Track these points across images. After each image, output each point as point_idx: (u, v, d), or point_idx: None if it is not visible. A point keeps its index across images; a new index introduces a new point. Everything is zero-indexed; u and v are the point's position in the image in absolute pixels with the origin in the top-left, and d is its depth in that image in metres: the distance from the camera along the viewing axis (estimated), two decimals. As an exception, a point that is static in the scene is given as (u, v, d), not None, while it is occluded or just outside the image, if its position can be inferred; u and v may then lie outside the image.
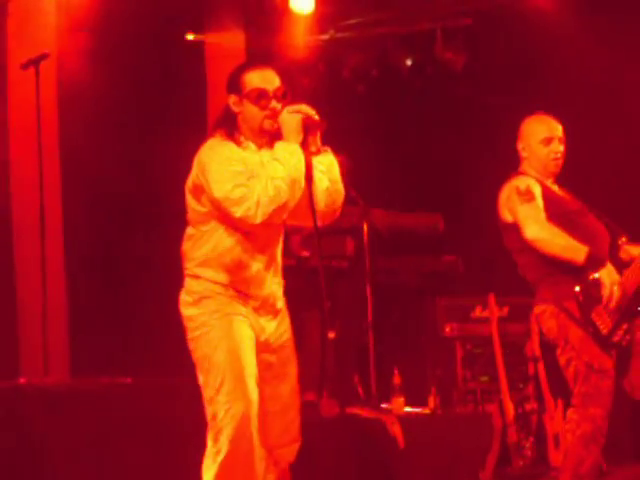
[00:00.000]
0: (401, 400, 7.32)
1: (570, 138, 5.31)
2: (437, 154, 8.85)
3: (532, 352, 6.94)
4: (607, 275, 4.83)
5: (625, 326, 4.87)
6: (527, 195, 5.06)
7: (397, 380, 7.41)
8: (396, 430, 6.71)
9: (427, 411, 7.41)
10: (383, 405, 7.31)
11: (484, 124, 8.56)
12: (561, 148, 5.19)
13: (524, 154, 5.27)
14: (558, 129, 5.21)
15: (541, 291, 5.10)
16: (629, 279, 4.90)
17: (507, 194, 5.14)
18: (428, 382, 7.70)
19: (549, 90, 7.89)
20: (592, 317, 4.86)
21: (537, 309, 5.13)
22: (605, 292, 4.79)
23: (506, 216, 5.12)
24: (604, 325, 4.86)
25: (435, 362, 7.87)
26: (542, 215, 4.99)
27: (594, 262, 4.85)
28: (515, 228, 5.05)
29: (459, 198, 8.68)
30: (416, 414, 7.35)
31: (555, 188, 5.26)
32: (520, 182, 5.12)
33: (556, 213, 5.04)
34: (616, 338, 4.86)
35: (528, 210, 5.02)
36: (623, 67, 6.17)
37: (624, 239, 5.13)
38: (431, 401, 7.44)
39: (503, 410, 6.78)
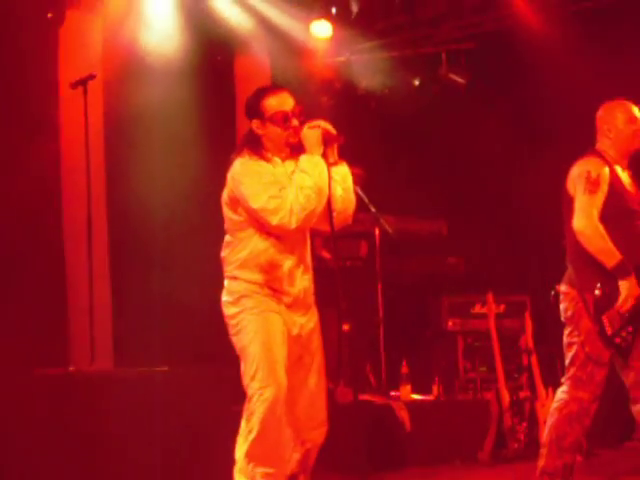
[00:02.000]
0: (408, 388, 7.44)
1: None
2: (442, 164, 8.88)
3: (526, 345, 7.04)
4: (627, 286, 4.78)
5: (630, 329, 4.85)
6: (594, 186, 4.92)
7: (405, 370, 7.50)
8: (404, 415, 6.83)
9: (431, 398, 7.50)
10: (392, 392, 7.42)
11: (483, 137, 8.41)
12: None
13: (610, 135, 5.07)
14: (638, 112, 5.11)
15: (572, 273, 5.04)
16: None
17: (578, 172, 5.00)
18: (432, 372, 7.78)
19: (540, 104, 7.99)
20: (602, 317, 4.84)
21: (563, 287, 5.06)
22: (620, 300, 4.76)
23: (570, 189, 5.00)
24: (610, 327, 4.83)
25: (439, 354, 7.96)
26: (595, 212, 4.86)
27: (621, 271, 4.79)
28: (571, 204, 4.97)
29: (462, 204, 8.65)
30: (421, 401, 7.42)
31: (625, 177, 5.10)
32: (594, 167, 4.97)
33: (614, 208, 4.92)
34: (618, 340, 4.83)
35: (587, 201, 4.89)
36: (609, 86, 6.19)
37: None
38: (435, 389, 7.55)
39: (499, 398, 6.94)
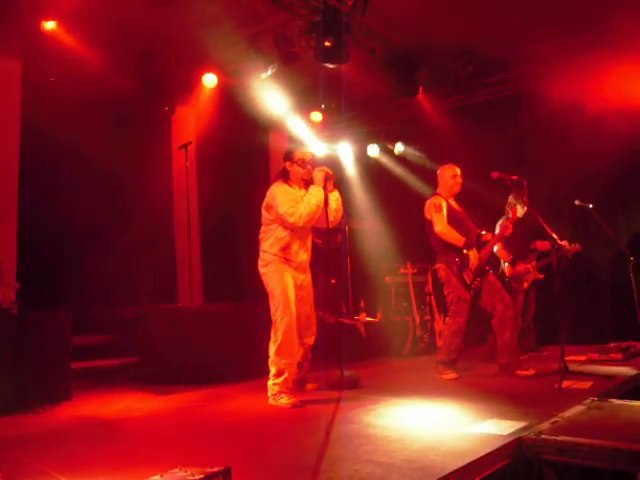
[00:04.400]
0: (364, 314, 7.59)
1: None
2: (393, 191, 8.48)
3: (428, 290, 7.20)
4: (472, 254, 4.96)
5: (479, 279, 4.97)
6: (438, 208, 5.07)
7: (363, 304, 7.68)
8: (362, 328, 6.91)
9: (377, 319, 7.53)
10: (355, 317, 7.52)
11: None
12: (460, 181, 5.19)
13: (441, 184, 5.22)
14: (459, 171, 5.19)
15: (439, 257, 5.12)
16: (482, 254, 5.02)
17: (429, 205, 5.13)
18: (377, 305, 7.78)
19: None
20: (463, 274, 4.96)
21: (437, 265, 5.16)
22: (470, 262, 4.92)
23: (427, 216, 5.11)
24: (468, 279, 4.95)
25: (381, 295, 7.85)
26: (444, 219, 5.02)
27: (467, 246, 4.96)
28: (431, 223, 5.08)
29: (408, 213, 8.44)
30: (372, 321, 7.42)
31: (454, 203, 5.21)
32: (436, 200, 5.13)
33: (451, 218, 5.08)
34: (473, 285, 4.95)
35: (439, 217, 5.03)
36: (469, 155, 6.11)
37: (483, 232, 5.12)
38: (379, 314, 7.62)
39: (414, 319, 7.05)
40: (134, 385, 5.15)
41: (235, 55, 6.54)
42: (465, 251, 4.95)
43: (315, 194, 4.24)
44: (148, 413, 4.03)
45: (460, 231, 5.02)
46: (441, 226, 5.02)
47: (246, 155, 7.60)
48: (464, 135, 7.11)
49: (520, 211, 5.66)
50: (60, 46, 5.64)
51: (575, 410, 3.28)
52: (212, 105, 7.15)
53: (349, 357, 5.44)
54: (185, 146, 6.33)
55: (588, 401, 3.48)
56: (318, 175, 4.31)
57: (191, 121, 7.29)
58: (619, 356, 5.44)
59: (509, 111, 7.05)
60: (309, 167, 4.35)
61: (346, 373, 4.60)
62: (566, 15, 5.64)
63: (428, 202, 5.15)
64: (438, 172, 5.27)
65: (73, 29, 5.64)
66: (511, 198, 5.92)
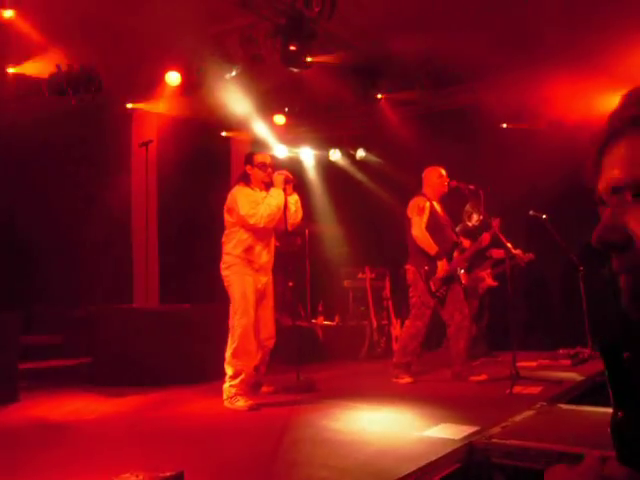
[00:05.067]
0: (322, 318, 7.54)
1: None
2: (353, 197, 8.51)
3: (386, 295, 7.21)
4: (441, 264, 4.96)
5: (444, 288, 5.01)
6: (421, 210, 5.07)
7: (321, 308, 7.64)
8: (319, 332, 6.92)
9: (334, 323, 7.51)
10: (313, 320, 7.46)
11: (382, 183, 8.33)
12: (446, 182, 5.19)
13: (428, 184, 5.20)
14: (444, 172, 5.20)
15: (411, 258, 5.12)
16: (454, 264, 5.08)
17: (413, 204, 5.13)
18: (335, 309, 7.77)
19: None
20: (429, 282, 4.99)
21: (407, 266, 5.15)
22: (438, 271, 4.93)
23: (409, 213, 5.11)
24: (434, 287, 4.99)
25: (339, 299, 7.85)
26: (423, 224, 5.01)
27: (438, 256, 4.97)
28: (410, 222, 5.07)
29: (368, 218, 8.35)
30: (329, 325, 7.42)
31: (438, 207, 5.21)
32: (420, 201, 5.12)
33: (432, 223, 5.07)
34: (438, 294, 4.99)
35: (418, 220, 5.04)
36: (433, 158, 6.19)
37: (461, 241, 5.26)
38: (337, 318, 7.60)
39: (371, 323, 7.07)
40: (86, 387, 5.04)
41: (199, 54, 6.47)
42: (437, 261, 5.00)
43: (275, 196, 4.26)
44: (100, 416, 3.96)
45: (437, 238, 5.06)
46: (418, 230, 5.05)
47: (208, 156, 7.48)
48: (425, 143, 7.18)
49: (475, 219, 5.76)
50: (18, 36, 5.47)
51: (525, 415, 3.37)
52: (174, 104, 7.02)
53: (306, 360, 5.43)
54: (146, 144, 6.20)
55: (537, 406, 3.58)
56: (278, 178, 4.33)
57: (153, 119, 7.14)
58: (568, 362, 5.60)
59: (468, 121, 7.16)
60: (269, 170, 4.36)
61: (302, 376, 4.60)
62: (515, 31, 5.78)
63: (413, 201, 5.16)
64: (423, 174, 5.30)
65: (32, 19, 5.47)
66: (468, 207, 6.02)
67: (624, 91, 0.74)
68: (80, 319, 5.63)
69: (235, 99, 7.46)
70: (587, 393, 4.44)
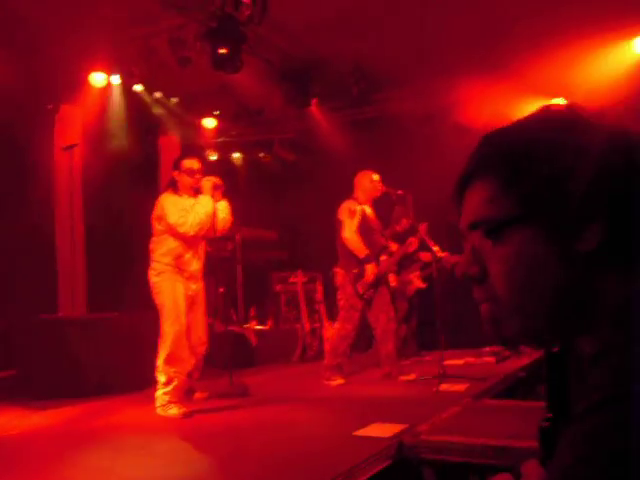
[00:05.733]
0: (254, 322, 7.54)
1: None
2: (284, 201, 8.59)
3: (318, 298, 7.25)
4: (370, 267, 5.03)
5: (372, 291, 5.09)
6: (352, 214, 5.13)
7: (253, 312, 7.62)
8: (252, 337, 6.85)
9: (267, 327, 7.52)
10: (245, 325, 7.41)
11: (298, 188, 8.52)
12: (379, 186, 5.26)
13: (360, 189, 5.27)
14: (377, 177, 5.24)
15: (341, 261, 5.19)
16: (382, 267, 5.16)
17: (344, 207, 5.18)
18: (267, 313, 7.78)
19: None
20: (357, 285, 5.06)
21: (336, 269, 5.21)
22: (366, 274, 5.01)
23: (340, 216, 5.15)
24: (362, 289, 5.06)
25: (271, 303, 7.91)
26: (354, 227, 5.07)
27: (367, 260, 5.04)
28: (341, 225, 5.12)
29: (299, 222, 8.51)
30: (262, 329, 7.40)
31: (369, 211, 5.28)
32: (352, 205, 5.18)
33: (363, 226, 5.13)
34: (366, 296, 5.07)
35: (349, 223, 5.08)
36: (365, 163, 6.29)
37: (390, 245, 5.38)
38: (269, 322, 7.62)
39: (303, 327, 7.12)
40: (10, 401, 4.82)
41: (127, 55, 6.34)
42: (365, 264, 5.07)
43: (204, 204, 4.24)
44: (25, 431, 3.82)
45: (366, 241, 5.13)
46: (349, 233, 5.11)
47: (135, 160, 7.26)
48: (356, 148, 7.30)
49: (404, 223, 5.92)
50: None
51: (452, 411, 3.51)
52: (100, 106, 6.83)
53: (238, 365, 5.42)
54: (70, 147, 6.08)
55: (463, 402, 3.74)
56: (206, 185, 4.31)
57: (77, 121, 6.86)
58: (493, 359, 5.85)
59: (397, 127, 7.35)
60: (197, 176, 4.32)
61: (235, 382, 4.60)
62: (435, 40, 6.00)
63: (344, 205, 5.22)
64: (356, 178, 5.36)
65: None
66: (397, 212, 6.19)
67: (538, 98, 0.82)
68: (1, 331, 5.38)
69: (164, 102, 7.38)
70: (510, 388, 4.66)
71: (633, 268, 0.67)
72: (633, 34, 5.90)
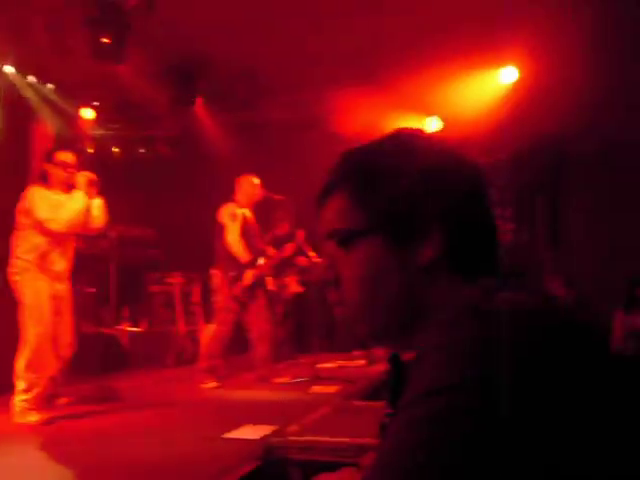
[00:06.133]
0: (127, 324, 7.28)
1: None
2: (163, 200, 8.34)
3: (195, 300, 7.19)
4: (249, 272, 5.08)
5: (247, 294, 5.11)
6: (233, 217, 5.12)
7: (125, 313, 7.37)
8: (124, 338, 6.64)
9: (141, 329, 7.32)
10: (117, 326, 7.15)
11: (180, 185, 8.28)
12: (259, 191, 5.30)
13: (241, 192, 5.26)
14: (258, 181, 5.27)
15: (218, 263, 5.15)
16: (258, 271, 5.20)
17: (225, 211, 5.15)
18: (142, 315, 7.52)
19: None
20: (234, 287, 5.06)
21: (214, 271, 5.20)
22: (244, 278, 5.05)
23: (221, 219, 5.13)
24: (238, 292, 5.07)
25: (146, 304, 7.67)
26: (237, 230, 5.09)
27: (249, 264, 5.09)
28: (223, 228, 5.09)
29: (178, 221, 8.21)
30: (135, 331, 7.19)
31: (249, 215, 5.29)
32: (233, 208, 5.17)
33: (243, 230, 5.12)
34: (242, 299, 5.09)
35: (233, 226, 5.08)
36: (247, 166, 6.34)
37: (268, 249, 5.43)
38: (143, 324, 7.40)
39: (179, 329, 7.00)
40: None
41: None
42: (246, 269, 5.10)
43: (77, 200, 4.07)
44: None
45: (246, 245, 5.15)
46: (233, 237, 5.11)
47: (4, 149, 6.74)
48: (240, 151, 7.32)
49: (284, 228, 6.03)
50: None
51: (322, 412, 3.62)
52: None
53: (109, 369, 5.28)
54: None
55: (333, 403, 3.87)
56: (80, 180, 4.13)
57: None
58: (364, 362, 6.09)
59: (283, 133, 7.46)
60: (71, 170, 4.14)
61: (103, 386, 4.44)
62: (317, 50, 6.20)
63: (225, 208, 5.20)
64: (237, 181, 5.37)
65: None
66: (277, 216, 6.28)
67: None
68: None
69: (38, 89, 6.96)
70: (378, 390, 4.87)
71: (465, 279, 0.76)
72: (499, 65, 6.43)
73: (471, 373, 0.60)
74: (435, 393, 0.61)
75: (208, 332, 5.34)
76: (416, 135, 0.84)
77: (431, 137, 0.85)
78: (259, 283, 5.30)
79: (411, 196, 0.76)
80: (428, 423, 0.60)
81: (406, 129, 0.85)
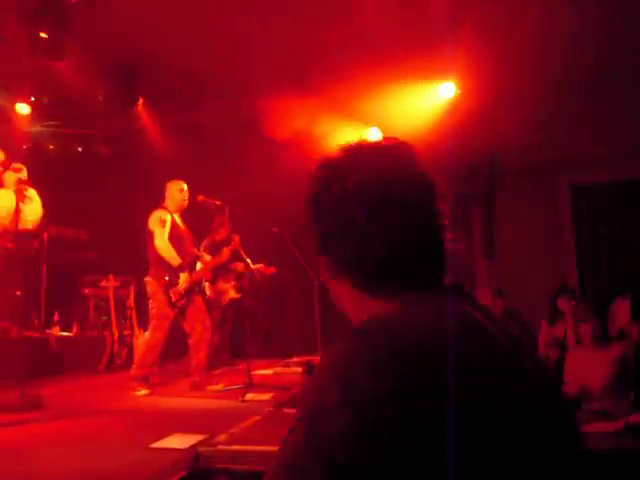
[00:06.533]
0: (58, 328, 7.13)
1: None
2: (99, 201, 8.13)
3: (130, 304, 7.07)
4: (183, 275, 5.04)
5: (184, 299, 5.07)
6: (163, 223, 5.10)
7: (57, 317, 7.19)
8: (53, 342, 6.45)
9: (72, 334, 7.19)
10: (47, 330, 6.92)
11: (116, 185, 8.12)
12: (187, 197, 5.27)
13: (169, 197, 5.28)
14: (185, 187, 5.32)
15: (151, 270, 5.13)
16: (195, 276, 5.18)
17: (154, 217, 5.14)
18: (73, 319, 7.39)
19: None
20: (169, 292, 5.02)
21: (147, 278, 5.15)
22: (179, 282, 4.97)
23: (150, 225, 5.12)
24: (174, 297, 5.03)
25: (79, 308, 7.50)
26: (165, 235, 5.06)
27: (181, 268, 5.04)
28: (152, 235, 5.09)
29: (115, 224, 7.92)
30: (65, 335, 7.06)
31: (179, 220, 5.29)
32: (162, 214, 5.15)
33: (173, 235, 5.11)
34: (178, 304, 5.05)
35: (160, 231, 5.06)
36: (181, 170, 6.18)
37: (202, 254, 5.42)
38: (74, 328, 7.27)
39: (112, 334, 6.85)
40: None
41: None
42: (179, 272, 5.04)
43: (4, 199, 3.92)
44: None
45: (177, 250, 5.11)
46: (161, 241, 5.06)
47: None
48: (178, 154, 7.25)
49: (222, 234, 5.98)
50: None
51: (252, 420, 3.62)
52: None
53: (36, 374, 5.10)
54: None
55: (265, 411, 3.86)
56: (9, 179, 4.02)
57: None
58: (301, 369, 6.08)
59: (220, 138, 7.41)
60: (0, 169, 4.00)
61: (28, 393, 4.27)
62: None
63: (154, 214, 5.16)
64: (166, 187, 5.33)
65: None
66: (216, 221, 6.25)
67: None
68: None
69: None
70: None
71: (387, 298, 0.92)
72: (438, 80, 6.62)
73: (331, 381, 0.79)
74: (309, 396, 0.81)
75: (143, 339, 5.24)
76: (346, 168, 0.95)
77: (365, 167, 0.94)
78: (196, 288, 5.25)
79: (348, 229, 0.92)
80: (300, 424, 0.79)
81: (336, 161, 0.98)
